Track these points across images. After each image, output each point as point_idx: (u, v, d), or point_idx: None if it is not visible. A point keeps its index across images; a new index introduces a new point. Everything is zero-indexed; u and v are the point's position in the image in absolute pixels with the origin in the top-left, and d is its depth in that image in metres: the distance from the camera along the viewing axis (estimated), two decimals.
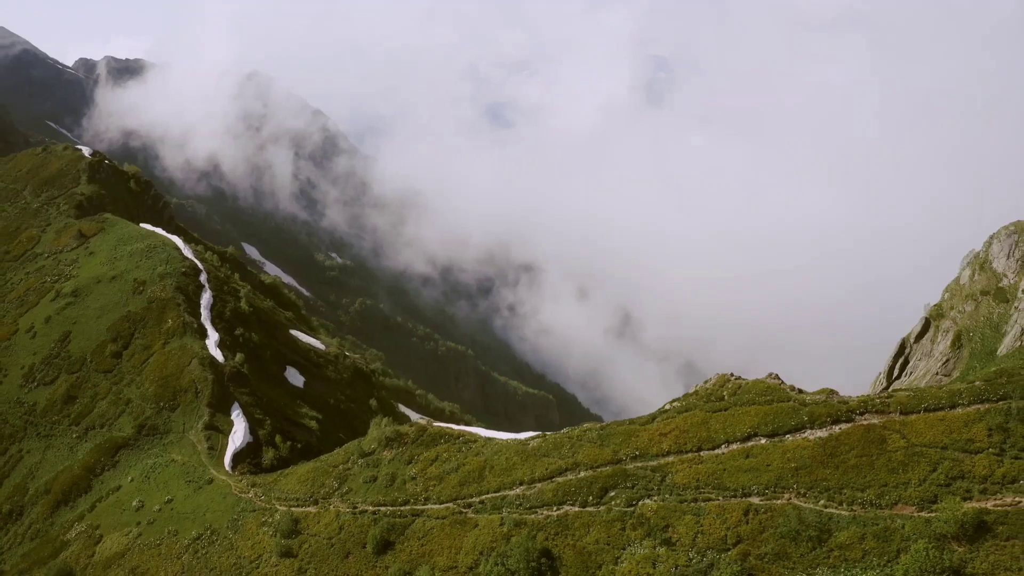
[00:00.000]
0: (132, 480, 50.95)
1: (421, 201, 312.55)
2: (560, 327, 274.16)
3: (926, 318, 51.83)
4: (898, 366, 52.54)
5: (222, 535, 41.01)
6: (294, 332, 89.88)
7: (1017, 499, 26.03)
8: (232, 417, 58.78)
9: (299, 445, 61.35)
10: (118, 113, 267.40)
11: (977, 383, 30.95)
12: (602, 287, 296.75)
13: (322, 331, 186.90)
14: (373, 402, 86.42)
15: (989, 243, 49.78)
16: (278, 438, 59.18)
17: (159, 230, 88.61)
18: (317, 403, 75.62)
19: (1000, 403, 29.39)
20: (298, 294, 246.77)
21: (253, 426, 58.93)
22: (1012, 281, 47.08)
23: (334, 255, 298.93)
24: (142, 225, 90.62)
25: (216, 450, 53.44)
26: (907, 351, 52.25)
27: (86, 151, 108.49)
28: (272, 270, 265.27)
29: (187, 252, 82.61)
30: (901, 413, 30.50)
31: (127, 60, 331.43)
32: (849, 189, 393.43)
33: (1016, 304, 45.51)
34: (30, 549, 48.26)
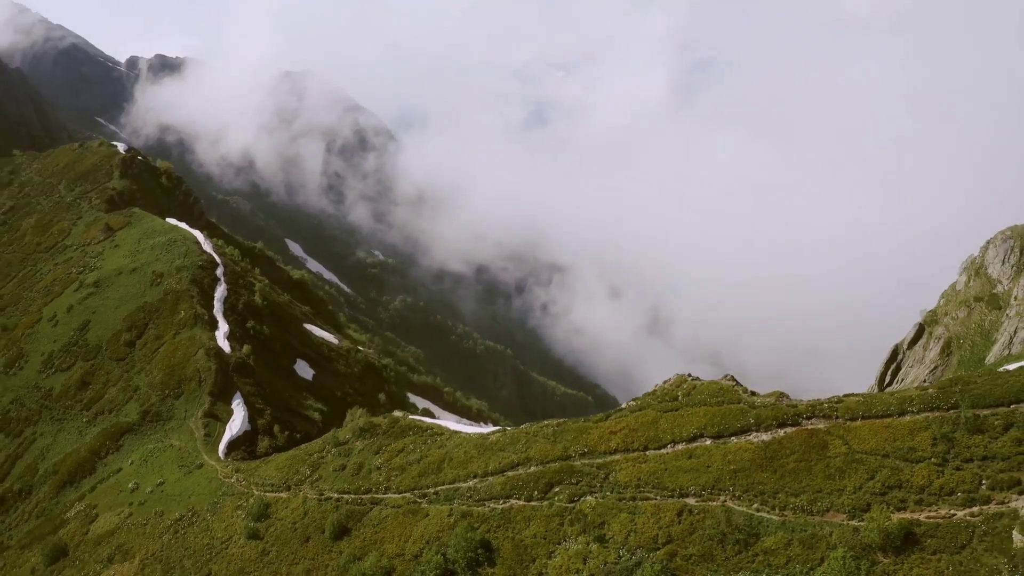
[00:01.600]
0: (132, 463, 53.08)
1: (455, 199, 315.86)
2: (592, 327, 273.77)
3: (920, 324, 50.71)
4: (890, 372, 51.51)
5: (201, 517, 42.61)
6: (308, 326, 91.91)
7: (952, 512, 25.46)
8: (232, 406, 60.57)
9: (298, 435, 62.83)
10: (160, 109, 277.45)
11: (930, 391, 30.34)
12: (632, 288, 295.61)
13: (354, 327, 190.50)
14: (382, 396, 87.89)
15: (986, 248, 48.46)
16: (276, 427, 60.76)
17: (182, 224, 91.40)
18: (324, 395, 77.32)
19: (951, 412, 28.80)
20: (339, 290, 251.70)
21: (252, 415, 60.66)
22: (1006, 287, 45.78)
23: (377, 253, 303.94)
24: (168, 220, 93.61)
25: (212, 437, 55.23)
26: (900, 357, 51.18)
27: (121, 147, 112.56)
28: (314, 267, 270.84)
29: (207, 246, 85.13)
30: (849, 419, 30.12)
31: (174, 58, 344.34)
32: (882, 190, 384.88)
33: (1008, 311, 44.27)
34: (34, 526, 50.73)
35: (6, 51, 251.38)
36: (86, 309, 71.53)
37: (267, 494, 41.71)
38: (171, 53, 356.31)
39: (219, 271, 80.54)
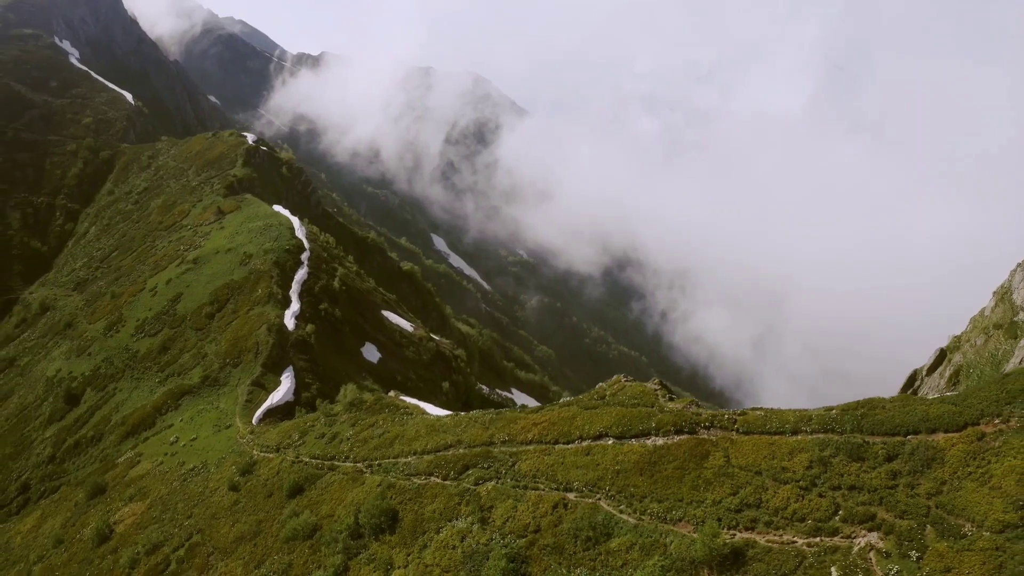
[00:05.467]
0: (182, 420, 60.10)
1: (579, 199, 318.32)
2: (710, 335, 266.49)
3: (942, 349, 47.06)
4: None
5: (207, 469, 48.12)
6: (386, 313, 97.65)
7: (794, 538, 24.72)
8: (281, 378, 66.60)
9: None
10: (297, 100, 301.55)
11: (833, 411, 29.23)
12: (748, 297, 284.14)
13: (473, 320, 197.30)
14: (446, 384, 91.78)
15: (1014, 272, 44.26)
16: (319, 401, 66.16)
17: (284, 211, 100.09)
18: (384, 378, 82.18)
19: (844, 435, 27.77)
20: (476, 286, 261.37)
21: (299, 388, 66.30)
22: None
23: (520, 252, 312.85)
24: (274, 207, 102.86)
25: (253, 403, 61.17)
26: (916, 384, 47.74)
27: (250, 137, 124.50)
28: (456, 262, 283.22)
29: (299, 232, 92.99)
30: (743, 432, 29.70)
31: (317, 53, 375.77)
32: (1000, 200, 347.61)
33: (1021, 341, 40.55)
34: (94, 469, 58.93)
35: (165, 37, 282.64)
36: (181, 283, 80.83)
37: (260, 454, 46.42)
38: (334, 49, 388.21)
39: (304, 255, 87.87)
